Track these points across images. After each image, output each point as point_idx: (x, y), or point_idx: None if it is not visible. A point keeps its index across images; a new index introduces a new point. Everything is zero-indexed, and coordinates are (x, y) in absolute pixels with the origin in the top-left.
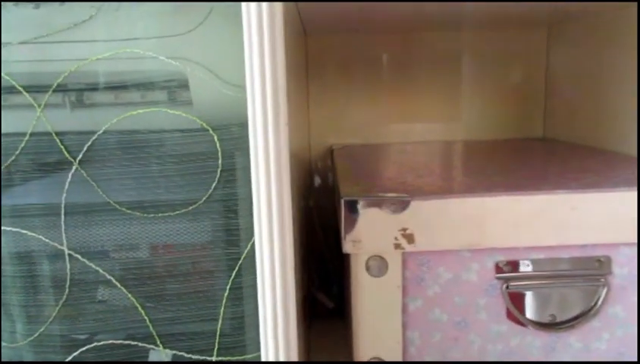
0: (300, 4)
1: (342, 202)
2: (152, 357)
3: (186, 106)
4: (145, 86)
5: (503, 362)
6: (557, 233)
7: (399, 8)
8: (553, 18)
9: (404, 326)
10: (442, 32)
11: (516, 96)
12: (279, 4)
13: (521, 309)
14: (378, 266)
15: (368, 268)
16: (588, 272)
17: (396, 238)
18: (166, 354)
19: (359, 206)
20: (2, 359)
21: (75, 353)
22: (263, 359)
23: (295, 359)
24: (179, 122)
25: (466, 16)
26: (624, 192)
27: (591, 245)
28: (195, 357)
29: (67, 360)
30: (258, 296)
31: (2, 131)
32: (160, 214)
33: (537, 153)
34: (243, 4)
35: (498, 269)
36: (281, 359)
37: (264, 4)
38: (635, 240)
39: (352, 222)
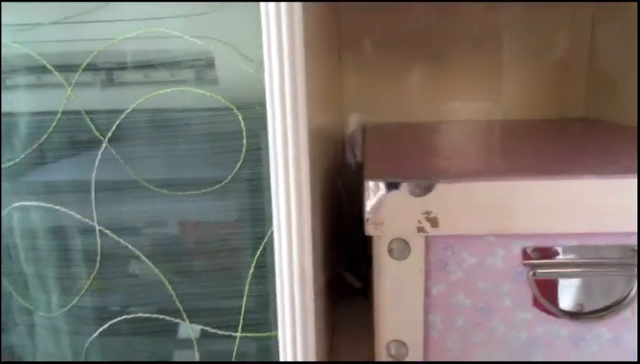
0: None
1: (365, 184)
2: (181, 331)
3: (212, 85)
4: (171, 65)
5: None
6: (588, 220)
7: None
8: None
9: (426, 310)
10: (480, 6)
11: (557, 74)
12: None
13: (548, 296)
14: (400, 249)
15: (390, 251)
16: (620, 261)
17: (419, 221)
18: (192, 328)
19: (382, 188)
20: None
21: (105, 325)
22: (280, 339)
23: (312, 338)
24: (205, 101)
25: None
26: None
27: (625, 233)
28: (220, 332)
29: (99, 331)
30: (276, 276)
31: (35, 110)
32: (187, 193)
33: (575, 134)
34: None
35: (525, 255)
36: (299, 339)
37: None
38: None
39: (375, 204)
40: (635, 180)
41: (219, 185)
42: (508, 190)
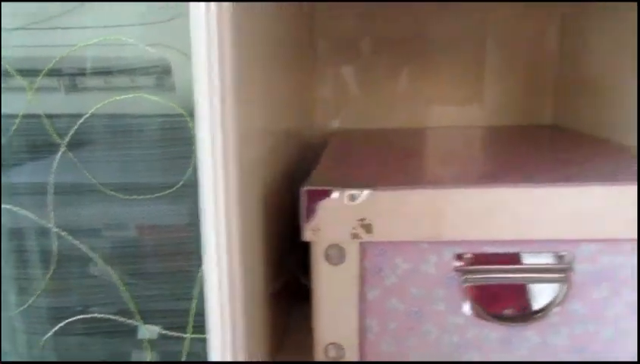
0: None
1: (301, 191)
2: (134, 332)
3: (169, 92)
4: (128, 72)
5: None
6: (517, 228)
7: None
8: (567, 3)
9: (362, 314)
10: (452, 12)
11: (528, 82)
12: None
13: (479, 301)
14: (336, 255)
15: (327, 257)
16: (547, 267)
17: (354, 228)
18: (146, 329)
19: (319, 196)
20: (3, 359)
21: (61, 324)
22: (209, 340)
23: (241, 340)
24: (159, 108)
25: None
26: (587, 188)
27: (552, 240)
28: (171, 333)
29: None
30: (205, 281)
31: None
32: (141, 197)
33: (530, 141)
34: None
35: (457, 262)
36: (228, 341)
37: None
38: (596, 237)
39: (311, 211)
40: (563, 189)
41: (171, 189)
42: (439, 198)
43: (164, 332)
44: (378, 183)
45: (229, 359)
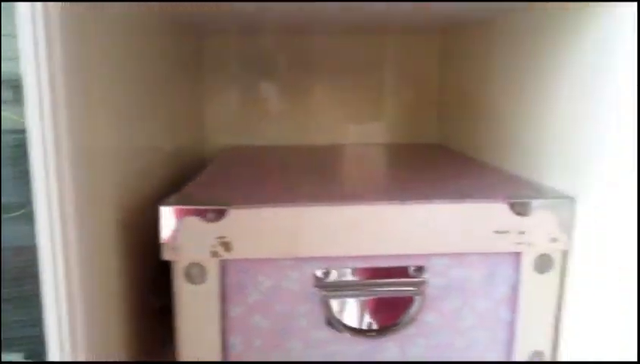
0: (186, 4)
1: (160, 210)
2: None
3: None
4: None
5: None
6: (372, 243)
7: (283, 10)
8: (444, 26)
9: (225, 332)
10: (338, 37)
11: (412, 102)
12: (55, 5)
13: (339, 316)
14: (196, 273)
15: (187, 275)
16: (402, 281)
17: (213, 246)
18: (9, 357)
19: (178, 215)
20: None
21: None
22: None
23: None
24: (14, 124)
25: (354, 21)
26: (437, 205)
27: (406, 255)
28: (31, 361)
29: None
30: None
31: None
32: (4, 216)
33: (405, 160)
34: (17, 4)
35: (317, 278)
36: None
37: (38, 4)
38: (447, 251)
39: (170, 230)
40: (415, 206)
41: (25, 209)
42: (297, 215)
43: (25, 361)
44: (238, 202)
45: None
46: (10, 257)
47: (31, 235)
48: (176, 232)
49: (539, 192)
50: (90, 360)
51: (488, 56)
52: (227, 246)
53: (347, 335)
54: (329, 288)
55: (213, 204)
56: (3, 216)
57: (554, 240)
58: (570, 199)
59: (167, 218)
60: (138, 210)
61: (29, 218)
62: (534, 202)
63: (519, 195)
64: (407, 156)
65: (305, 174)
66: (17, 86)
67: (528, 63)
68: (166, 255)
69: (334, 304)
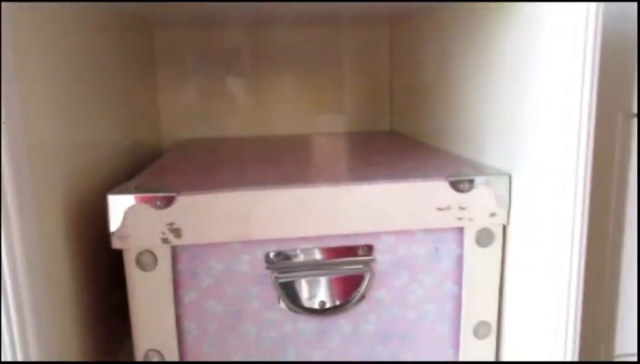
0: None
1: (108, 198)
2: None
3: None
4: None
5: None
6: (322, 224)
7: (238, 5)
8: (393, 16)
9: (180, 318)
10: (294, 29)
11: (366, 91)
12: None
13: (291, 296)
14: (147, 261)
15: (138, 263)
16: (352, 260)
17: (163, 233)
18: None
19: (125, 202)
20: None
21: None
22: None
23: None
24: None
25: (306, 13)
26: (383, 185)
27: (354, 234)
28: None
29: None
30: None
31: None
32: None
33: (358, 146)
34: None
35: (268, 260)
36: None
37: None
38: (393, 229)
39: (119, 218)
40: (362, 187)
41: None
42: (246, 199)
43: None
44: (186, 189)
45: None
46: None
47: None
48: (125, 220)
49: (478, 170)
50: (42, 360)
51: (433, 45)
52: (177, 232)
53: (300, 315)
54: (280, 269)
55: (161, 191)
56: None
57: (493, 214)
58: (506, 176)
59: (116, 206)
60: (89, 204)
61: None
62: (473, 179)
63: (459, 173)
64: (360, 143)
65: (258, 162)
66: None
67: (466, 51)
68: (115, 243)
69: (286, 285)
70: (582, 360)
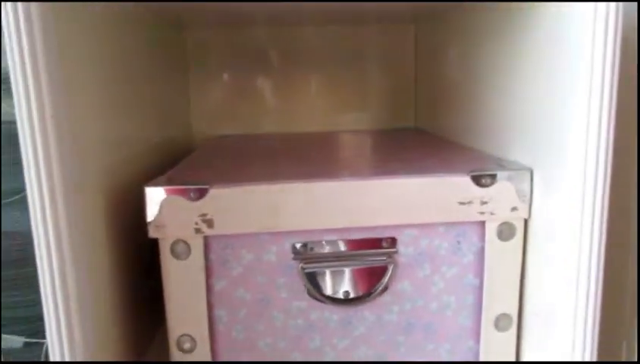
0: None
1: (145, 190)
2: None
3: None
4: None
5: None
6: (347, 217)
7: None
8: (418, 15)
9: (211, 305)
10: (321, 28)
11: (390, 89)
12: (35, 5)
13: (317, 286)
14: (181, 250)
15: (173, 252)
16: (376, 252)
17: (196, 223)
18: (4, 339)
19: (161, 194)
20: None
21: None
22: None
23: (80, 343)
24: (8, 115)
25: (332, 12)
26: (406, 180)
27: (378, 227)
28: (28, 340)
29: None
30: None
31: None
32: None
33: (382, 143)
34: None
35: (295, 250)
36: (65, 342)
37: (19, 4)
38: (416, 222)
39: (155, 209)
40: (387, 181)
41: (20, 195)
42: (275, 192)
43: (26, 340)
44: (218, 182)
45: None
46: (8, 240)
47: (23, 220)
48: (160, 211)
49: (500, 165)
50: (86, 344)
51: (458, 43)
52: (209, 222)
53: (325, 304)
54: (306, 260)
55: (195, 184)
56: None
57: (515, 209)
58: (528, 170)
59: (152, 198)
60: (126, 196)
61: (22, 203)
62: (494, 174)
63: (481, 168)
64: (385, 140)
65: (286, 158)
66: (4, 79)
67: (491, 49)
68: (152, 232)
69: (312, 275)
70: (602, 360)
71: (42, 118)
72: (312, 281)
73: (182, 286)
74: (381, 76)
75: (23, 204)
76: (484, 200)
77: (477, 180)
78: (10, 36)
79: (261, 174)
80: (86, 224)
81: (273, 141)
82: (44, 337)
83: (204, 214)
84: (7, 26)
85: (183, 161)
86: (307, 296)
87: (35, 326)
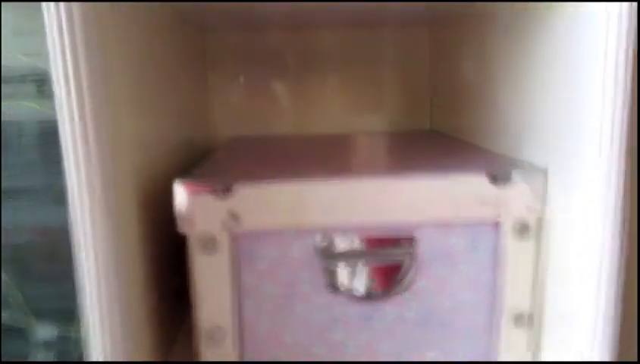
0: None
1: (174, 186)
2: (30, 331)
3: (48, 99)
4: (5, 80)
5: None
6: (367, 215)
7: (280, 6)
8: (433, 18)
9: (238, 298)
10: (337, 31)
11: (405, 90)
12: (77, 5)
13: (339, 282)
14: (209, 245)
15: (201, 247)
16: (395, 250)
17: (223, 220)
18: (41, 328)
19: (190, 191)
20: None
21: None
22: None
23: (119, 338)
24: (39, 114)
25: (346, 14)
26: (424, 179)
27: (397, 225)
28: (61, 331)
29: None
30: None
31: None
32: (24, 199)
33: (399, 144)
34: (43, 3)
35: (317, 247)
36: (99, 337)
37: (61, 4)
38: (435, 221)
39: (184, 205)
40: (406, 181)
41: (53, 192)
42: (298, 190)
43: (57, 329)
44: (243, 179)
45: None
46: (38, 236)
47: (56, 215)
48: (189, 207)
49: (516, 165)
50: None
51: (473, 45)
52: (236, 219)
53: (347, 300)
54: (329, 256)
55: (222, 181)
56: (32, 197)
57: (530, 208)
58: (543, 171)
59: (182, 194)
60: (154, 194)
61: (55, 199)
62: (510, 174)
63: (497, 168)
64: (401, 141)
65: (306, 157)
66: (39, 80)
67: (507, 50)
68: (181, 227)
69: (333, 271)
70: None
71: (82, 118)
72: (334, 277)
73: (210, 280)
74: (397, 79)
75: (55, 200)
76: (500, 200)
77: (493, 179)
78: (52, 37)
79: (284, 173)
80: (121, 220)
81: (291, 142)
82: (75, 328)
83: (231, 211)
84: (49, 26)
85: (207, 160)
86: (329, 291)
87: (67, 318)
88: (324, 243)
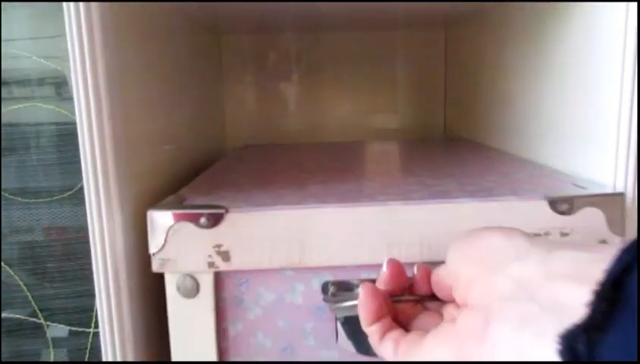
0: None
1: (148, 214)
2: (40, 330)
3: (65, 102)
4: (24, 82)
5: None
6: (391, 249)
7: (295, 8)
8: (448, 20)
9: (224, 352)
10: (349, 33)
11: (420, 93)
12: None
13: (352, 333)
14: (189, 287)
15: (178, 289)
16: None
17: (209, 256)
18: (51, 327)
19: (169, 219)
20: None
21: None
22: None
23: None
24: (56, 116)
25: (362, 17)
26: (466, 203)
27: (431, 262)
28: (74, 329)
29: None
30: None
31: None
32: (40, 200)
33: (418, 155)
34: (64, 4)
35: (325, 290)
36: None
37: (81, 4)
38: None
39: (161, 238)
40: (445, 205)
41: (70, 192)
42: (302, 218)
43: (71, 329)
44: (236, 205)
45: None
46: (56, 235)
47: (72, 216)
48: (167, 241)
49: (580, 185)
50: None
51: (489, 47)
52: (224, 255)
53: (362, 355)
54: (340, 302)
55: (208, 207)
56: (46, 199)
57: (604, 242)
58: (620, 195)
59: (157, 224)
60: (164, 197)
61: (71, 200)
62: (578, 199)
63: (559, 190)
64: (422, 149)
65: (316, 173)
66: (57, 83)
67: (523, 52)
68: (156, 267)
69: (346, 320)
70: None
71: (99, 120)
72: (346, 328)
73: (190, 328)
74: (412, 82)
75: (71, 201)
76: (565, 231)
77: (556, 205)
78: (72, 40)
79: (287, 195)
80: (136, 221)
81: (302, 152)
82: (88, 326)
83: (219, 245)
84: (69, 28)
85: (199, 177)
86: (339, 344)
87: (80, 316)
88: (335, 286)
